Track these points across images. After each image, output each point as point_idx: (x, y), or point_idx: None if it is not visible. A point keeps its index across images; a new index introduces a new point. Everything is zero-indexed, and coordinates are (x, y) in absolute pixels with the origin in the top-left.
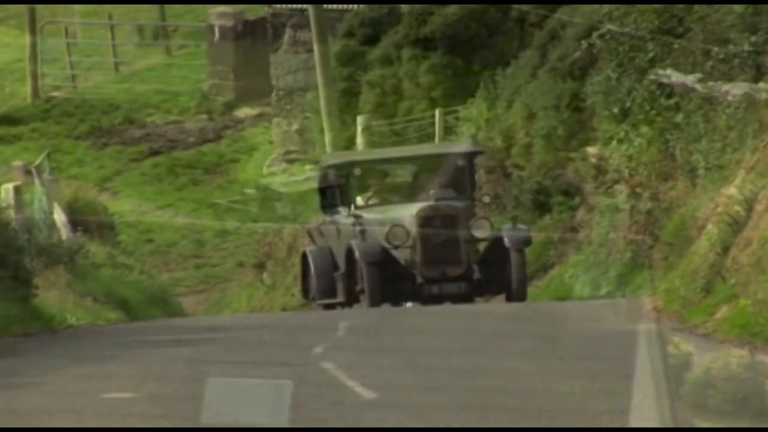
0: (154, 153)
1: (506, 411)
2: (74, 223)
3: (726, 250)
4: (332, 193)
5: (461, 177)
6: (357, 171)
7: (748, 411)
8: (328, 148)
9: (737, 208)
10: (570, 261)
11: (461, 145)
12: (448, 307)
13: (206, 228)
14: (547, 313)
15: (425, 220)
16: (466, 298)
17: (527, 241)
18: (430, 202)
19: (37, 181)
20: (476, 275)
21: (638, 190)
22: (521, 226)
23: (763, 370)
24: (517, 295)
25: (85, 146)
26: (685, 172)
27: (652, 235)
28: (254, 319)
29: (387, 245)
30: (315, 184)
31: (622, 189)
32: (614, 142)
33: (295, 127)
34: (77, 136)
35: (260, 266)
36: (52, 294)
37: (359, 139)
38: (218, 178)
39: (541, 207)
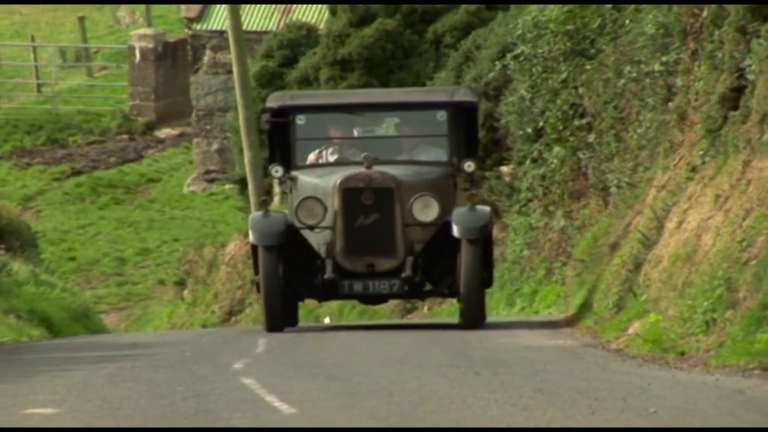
0: (76, 173)
1: (425, 425)
2: None
3: (638, 267)
4: (273, 145)
5: (443, 135)
6: (300, 119)
7: (664, 419)
8: (247, 167)
9: (649, 225)
10: None
11: (446, 92)
12: (366, 324)
13: (128, 246)
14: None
15: (349, 192)
16: (400, 299)
17: (483, 229)
18: (360, 169)
19: None
20: (414, 272)
21: (551, 208)
22: (481, 207)
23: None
24: (466, 299)
25: (8, 166)
26: (597, 191)
27: (565, 253)
28: (175, 335)
29: (298, 224)
30: (235, 204)
31: (535, 207)
32: (528, 161)
33: (214, 146)
34: (2, 156)
35: (181, 284)
36: None
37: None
38: (139, 197)
39: None
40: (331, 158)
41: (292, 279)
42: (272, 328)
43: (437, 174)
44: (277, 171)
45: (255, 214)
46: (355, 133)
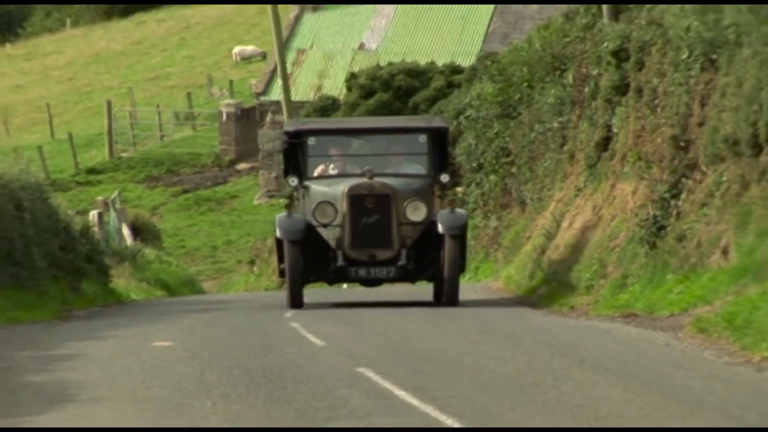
0: (186, 191)
1: (409, 354)
2: (135, 235)
3: (543, 251)
4: (288, 161)
5: (423, 154)
6: (311, 140)
7: (561, 349)
8: None
9: (551, 225)
10: None
11: (425, 119)
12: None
13: (218, 238)
14: (429, 287)
15: (355, 198)
16: (395, 282)
17: (463, 227)
18: (363, 179)
19: (111, 209)
20: (407, 261)
21: (489, 214)
22: (459, 210)
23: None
24: (449, 283)
25: (142, 188)
26: (518, 203)
27: (497, 243)
28: (248, 296)
29: (314, 222)
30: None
31: (478, 214)
32: (473, 185)
33: (273, 175)
34: (137, 181)
35: (252, 263)
36: (121, 280)
37: None
38: (225, 207)
39: None
40: (333, 171)
41: (309, 266)
42: (294, 305)
43: (421, 184)
44: (293, 181)
45: (280, 215)
46: (354, 151)
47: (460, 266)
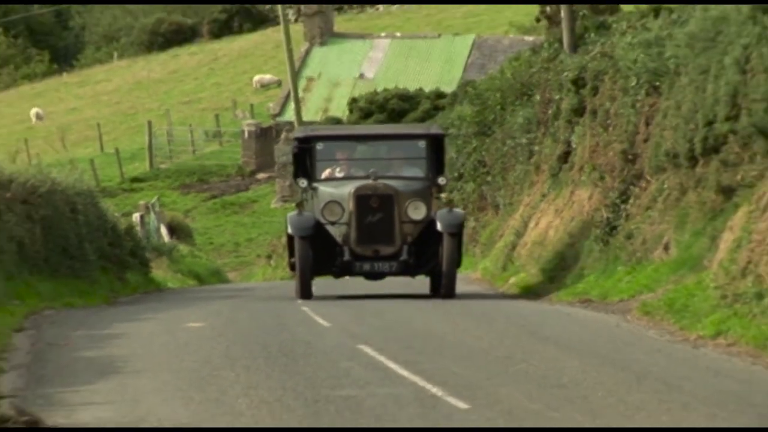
0: (214, 197)
1: (401, 333)
2: (171, 233)
3: (514, 247)
4: (298, 164)
5: (422, 158)
6: (319, 145)
7: (528, 329)
8: None
9: (520, 225)
10: None
11: (424, 126)
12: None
13: (241, 237)
14: (424, 281)
15: (361, 198)
16: (397, 276)
17: (460, 226)
18: (368, 181)
19: (151, 212)
20: (408, 256)
21: (468, 216)
22: (457, 210)
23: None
24: (447, 277)
25: (177, 193)
26: (492, 207)
27: (475, 240)
28: (266, 284)
29: (323, 220)
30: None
31: None
32: (455, 191)
33: (287, 183)
34: (173, 188)
35: (269, 257)
36: (160, 271)
37: None
38: (247, 210)
39: None
40: (339, 174)
41: (317, 261)
42: (304, 296)
43: (421, 185)
44: (303, 183)
45: (291, 213)
46: (359, 155)
47: (456, 261)
